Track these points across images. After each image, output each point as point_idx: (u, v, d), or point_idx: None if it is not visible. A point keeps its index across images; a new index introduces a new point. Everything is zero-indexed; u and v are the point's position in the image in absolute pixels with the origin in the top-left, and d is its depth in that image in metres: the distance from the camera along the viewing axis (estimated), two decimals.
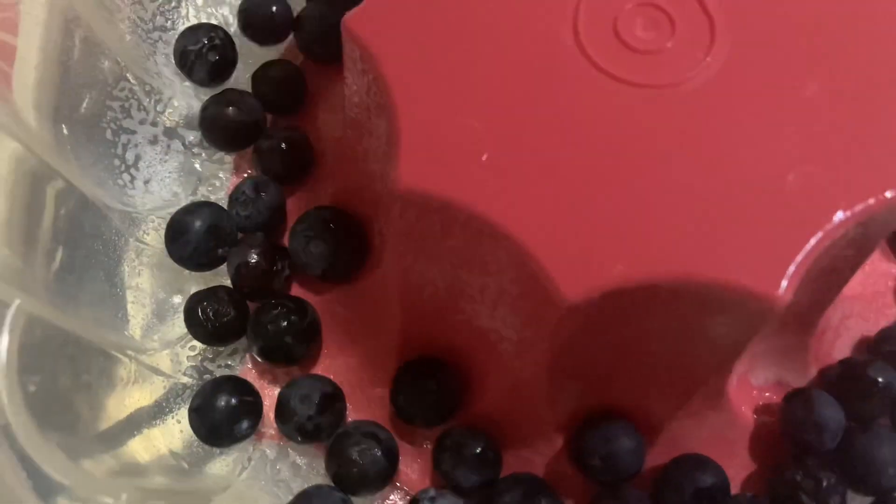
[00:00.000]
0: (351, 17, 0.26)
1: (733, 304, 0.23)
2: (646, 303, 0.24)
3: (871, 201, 0.24)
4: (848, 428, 0.31)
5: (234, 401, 0.31)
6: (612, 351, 0.27)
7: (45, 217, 0.31)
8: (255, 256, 0.32)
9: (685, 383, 0.29)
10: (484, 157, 0.24)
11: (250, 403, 0.31)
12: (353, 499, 0.30)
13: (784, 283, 0.22)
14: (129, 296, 0.34)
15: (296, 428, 0.30)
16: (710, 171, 0.24)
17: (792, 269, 0.23)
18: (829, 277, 0.28)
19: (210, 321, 0.31)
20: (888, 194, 0.24)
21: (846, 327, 0.34)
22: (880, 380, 0.31)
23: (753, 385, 0.33)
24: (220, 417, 0.30)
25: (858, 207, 0.24)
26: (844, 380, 0.31)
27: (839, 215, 0.23)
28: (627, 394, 0.30)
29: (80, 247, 0.32)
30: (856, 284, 0.35)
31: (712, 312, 0.24)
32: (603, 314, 0.24)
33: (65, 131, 0.33)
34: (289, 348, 0.32)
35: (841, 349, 0.34)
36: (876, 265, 0.36)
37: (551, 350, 0.26)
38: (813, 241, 0.23)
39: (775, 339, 0.31)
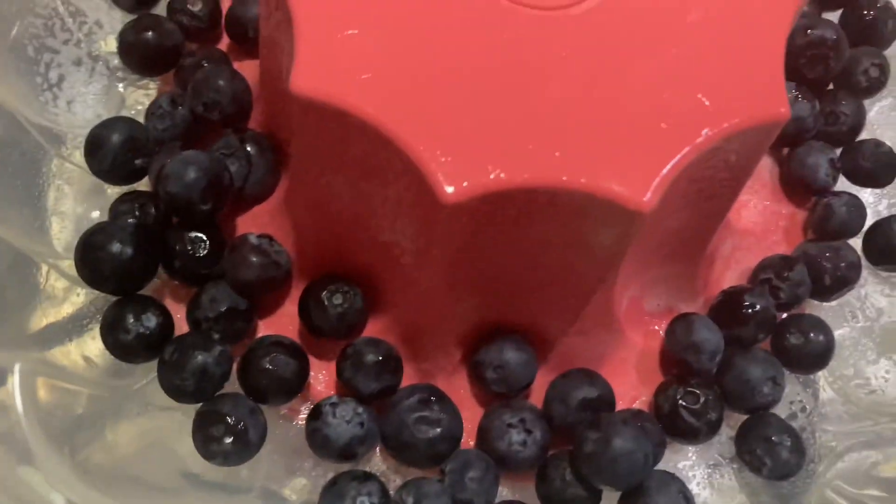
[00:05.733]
0: None
1: (604, 209, 0.25)
2: (527, 208, 0.25)
3: (736, 121, 0.25)
4: (729, 350, 0.33)
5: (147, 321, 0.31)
6: (503, 259, 0.28)
7: None
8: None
9: (573, 297, 0.30)
10: (375, 67, 0.25)
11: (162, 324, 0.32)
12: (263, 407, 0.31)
13: (649, 191, 0.24)
14: (50, 210, 0.35)
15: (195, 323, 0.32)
16: (592, 87, 0.26)
17: (657, 179, 0.24)
18: (709, 203, 0.30)
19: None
20: (753, 116, 0.26)
21: (735, 259, 0.36)
22: (757, 306, 0.33)
23: (646, 311, 0.35)
24: (132, 339, 0.31)
25: (724, 126, 0.25)
26: (724, 306, 0.33)
27: (704, 132, 0.25)
28: (522, 310, 0.32)
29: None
30: (748, 221, 0.37)
31: (587, 218, 0.26)
32: (487, 218, 0.26)
33: None
34: (199, 269, 0.33)
35: (730, 280, 0.36)
36: (769, 205, 0.38)
37: (445, 257, 0.28)
38: (679, 155, 0.25)
39: (665, 268, 0.33)
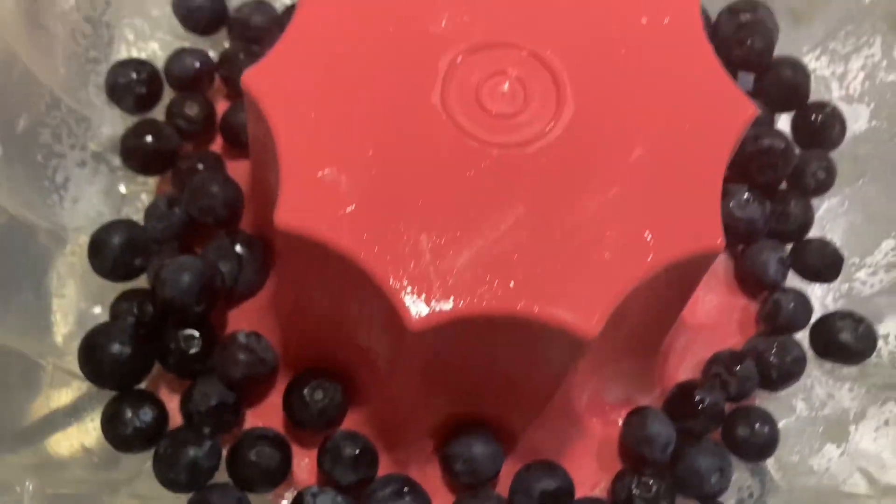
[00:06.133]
0: (248, 74, 0.30)
1: (554, 335, 0.28)
2: (486, 331, 0.28)
3: (676, 253, 0.28)
4: (681, 441, 0.36)
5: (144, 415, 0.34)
6: (468, 369, 0.31)
7: None
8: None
9: (533, 399, 0.33)
10: (351, 205, 0.28)
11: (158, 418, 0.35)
12: (250, 496, 0.34)
13: (594, 319, 0.27)
14: (55, 306, 0.37)
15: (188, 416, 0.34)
16: (544, 221, 0.29)
17: (601, 309, 0.27)
18: (657, 313, 0.33)
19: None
20: (691, 248, 0.29)
21: (691, 352, 0.39)
22: (706, 401, 0.35)
23: (606, 402, 0.38)
24: (130, 433, 0.34)
25: (664, 258, 0.28)
26: (677, 400, 0.36)
27: (646, 263, 0.28)
28: (487, 407, 0.34)
29: (8, 264, 0.35)
30: (702, 315, 0.40)
31: (539, 340, 0.28)
32: (451, 339, 0.28)
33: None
34: (192, 365, 0.35)
35: (685, 371, 0.39)
36: (722, 298, 0.41)
37: (414, 367, 0.31)
38: (622, 286, 0.28)
39: (622, 365, 0.36)
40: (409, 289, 0.27)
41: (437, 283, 0.27)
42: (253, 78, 0.30)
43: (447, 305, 0.27)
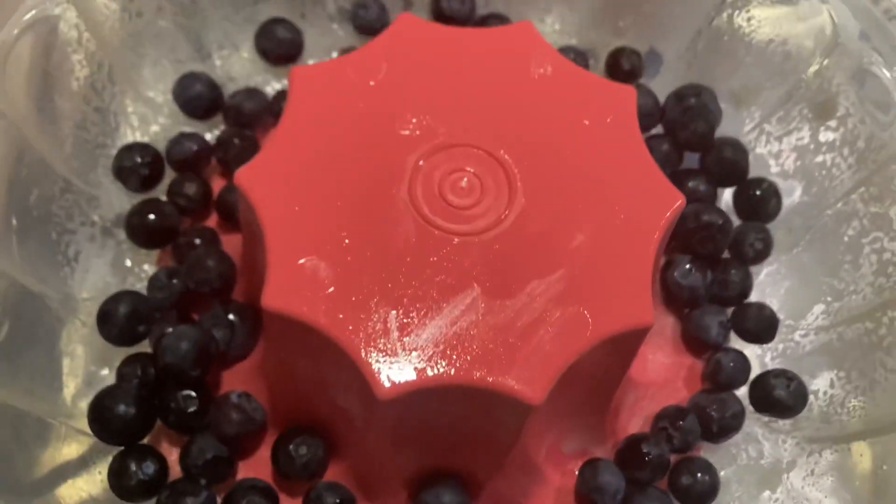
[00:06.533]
0: (241, 173, 0.34)
1: (506, 401, 0.32)
2: (447, 397, 0.33)
3: (611, 330, 0.33)
4: (630, 489, 0.40)
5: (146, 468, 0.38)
6: (433, 429, 0.35)
7: None
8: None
9: (494, 453, 0.37)
10: (329, 288, 0.32)
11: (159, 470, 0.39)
12: None
13: (539, 388, 0.31)
14: (66, 369, 0.42)
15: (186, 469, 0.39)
16: (496, 300, 0.33)
17: (545, 379, 0.32)
18: (602, 377, 0.37)
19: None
20: (625, 325, 0.33)
21: (640, 407, 0.43)
22: (651, 454, 0.39)
23: (563, 453, 0.42)
24: (134, 484, 0.38)
25: (601, 333, 0.33)
26: (626, 452, 0.40)
27: (584, 338, 0.32)
28: (454, 460, 0.38)
29: (23, 332, 0.39)
30: (652, 373, 0.44)
31: (494, 405, 0.33)
32: (416, 404, 0.33)
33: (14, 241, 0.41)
34: (190, 422, 0.39)
35: (636, 425, 0.43)
36: (671, 357, 0.45)
37: (385, 427, 0.35)
38: (563, 359, 0.32)
39: (576, 420, 0.40)
40: (378, 362, 0.31)
41: (403, 356, 0.32)
42: (245, 176, 0.34)
43: (412, 376, 0.31)
